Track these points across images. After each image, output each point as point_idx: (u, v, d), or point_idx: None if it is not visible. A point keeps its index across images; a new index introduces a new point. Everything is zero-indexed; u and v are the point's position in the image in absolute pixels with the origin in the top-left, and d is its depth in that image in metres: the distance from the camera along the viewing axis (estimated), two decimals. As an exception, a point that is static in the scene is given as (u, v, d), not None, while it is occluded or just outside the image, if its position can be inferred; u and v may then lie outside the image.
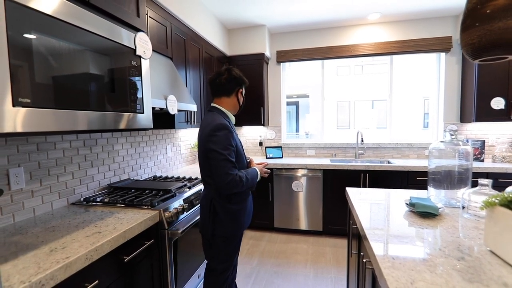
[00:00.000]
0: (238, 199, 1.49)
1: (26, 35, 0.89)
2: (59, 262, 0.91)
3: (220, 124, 1.38)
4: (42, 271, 0.85)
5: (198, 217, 1.77)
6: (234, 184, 1.35)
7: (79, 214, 1.42)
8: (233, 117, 1.58)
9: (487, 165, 2.83)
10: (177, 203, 1.67)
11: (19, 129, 0.88)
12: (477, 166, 2.76)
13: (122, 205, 1.56)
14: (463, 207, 1.29)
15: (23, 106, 0.87)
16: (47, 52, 0.97)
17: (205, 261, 1.98)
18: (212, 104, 1.55)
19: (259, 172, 1.55)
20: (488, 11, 1.09)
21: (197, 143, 1.52)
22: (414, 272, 0.83)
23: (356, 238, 1.52)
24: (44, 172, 1.46)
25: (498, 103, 2.85)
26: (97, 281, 1.02)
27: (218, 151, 1.35)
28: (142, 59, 1.47)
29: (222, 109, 1.53)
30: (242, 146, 1.57)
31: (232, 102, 1.55)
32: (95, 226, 1.25)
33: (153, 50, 1.88)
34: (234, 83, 1.52)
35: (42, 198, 1.46)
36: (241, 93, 1.57)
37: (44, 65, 0.96)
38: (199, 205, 1.90)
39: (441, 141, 1.53)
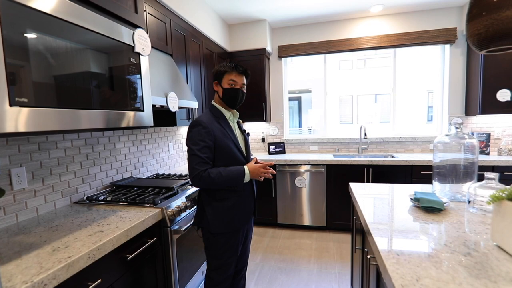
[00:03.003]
0: (222, 197, 1.45)
1: (22, 34, 0.88)
2: (62, 261, 0.91)
3: (194, 121, 1.42)
4: (44, 271, 0.85)
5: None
6: (199, 179, 1.35)
7: (82, 213, 1.43)
8: (229, 112, 1.55)
9: (493, 158, 2.79)
10: (179, 201, 1.66)
11: (19, 128, 0.87)
12: (482, 159, 2.72)
13: (125, 204, 1.55)
14: (469, 202, 1.27)
15: (20, 106, 0.87)
16: (45, 51, 0.96)
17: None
18: None
19: (247, 171, 1.42)
20: (495, 0, 1.06)
21: None
22: (419, 268, 0.81)
23: (360, 234, 1.51)
24: (46, 171, 1.46)
25: (504, 95, 2.80)
26: (100, 280, 1.02)
27: (189, 146, 1.39)
28: (141, 56, 1.45)
29: (215, 104, 1.55)
30: (236, 142, 1.50)
31: (217, 97, 1.55)
32: (98, 225, 1.24)
33: (152, 47, 1.87)
34: (213, 79, 1.56)
35: (45, 197, 1.46)
36: (216, 84, 1.53)
37: (42, 64, 0.95)
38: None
39: (446, 135, 1.50)
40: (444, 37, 3.16)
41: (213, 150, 1.41)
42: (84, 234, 1.14)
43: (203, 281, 1.89)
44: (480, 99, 2.89)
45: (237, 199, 1.48)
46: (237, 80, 1.49)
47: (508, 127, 3.10)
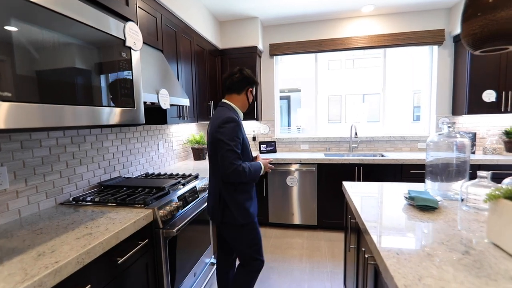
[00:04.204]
0: (243, 189, 1.58)
1: (4, 24, 0.82)
2: (48, 267, 0.85)
3: (229, 117, 1.49)
4: (29, 277, 0.79)
5: (194, 214, 1.74)
6: (237, 174, 1.44)
7: (68, 214, 1.36)
8: (242, 114, 1.69)
9: (479, 157, 2.87)
10: (171, 201, 1.61)
11: (1, 125, 0.81)
12: (469, 158, 2.79)
13: (114, 204, 1.49)
14: (462, 200, 1.29)
15: (3, 101, 0.80)
16: (29, 43, 0.89)
17: (201, 259, 1.95)
18: (223, 100, 1.66)
19: (263, 166, 1.63)
20: (490, 1, 1.07)
21: (207, 135, 1.63)
22: (420, 267, 0.81)
23: (355, 233, 1.51)
24: (29, 171, 1.38)
25: (489, 95, 2.88)
26: (89, 286, 0.97)
27: (224, 141, 1.45)
28: (132, 50, 1.39)
29: (232, 105, 1.63)
30: (248, 141, 1.67)
31: (241, 100, 1.65)
32: (86, 227, 1.18)
33: (143, 42, 1.80)
34: (245, 82, 1.63)
35: (28, 198, 1.38)
36: (251, 92, 1.68)
37: (27, 57, 0.89)
38: (194, 201, 1.86)
39: (439, 134, 1.52)
40: (432, 38, 3.23)
41: (241, 146, 1.54)
42: (71, 237, 1.08)
43: (196, 282, 1.85)
44: (467, 99, 2.96)
45: (253, 191, 1.67)
46: None
47: (492, 127, 3.20)
